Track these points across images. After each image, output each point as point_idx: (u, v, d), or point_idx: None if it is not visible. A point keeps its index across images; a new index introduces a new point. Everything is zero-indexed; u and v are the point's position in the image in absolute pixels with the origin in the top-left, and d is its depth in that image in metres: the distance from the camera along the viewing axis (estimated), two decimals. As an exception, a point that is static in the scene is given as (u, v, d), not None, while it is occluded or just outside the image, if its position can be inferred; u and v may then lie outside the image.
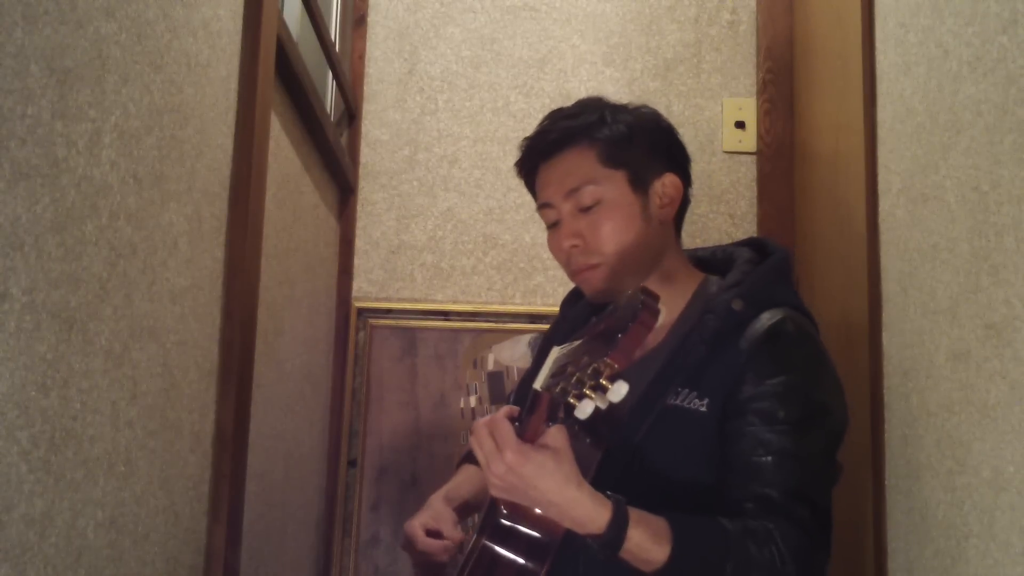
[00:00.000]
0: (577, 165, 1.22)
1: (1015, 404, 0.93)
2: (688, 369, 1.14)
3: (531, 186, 1.31)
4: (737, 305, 1.14)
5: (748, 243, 1.31)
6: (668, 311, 1.22)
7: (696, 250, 1.35)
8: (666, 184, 1.24)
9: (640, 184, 1.22)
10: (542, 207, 1.27)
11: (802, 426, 1.09)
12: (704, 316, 1.17)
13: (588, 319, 1.31)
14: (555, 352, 1.05)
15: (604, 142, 1.22)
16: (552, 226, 1.26)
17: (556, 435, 0.96)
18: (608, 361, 0.89)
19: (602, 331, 0.96)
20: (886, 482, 1.31)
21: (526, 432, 0.98)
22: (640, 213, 1.21)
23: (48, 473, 0.78)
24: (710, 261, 1.31)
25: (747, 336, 1.13)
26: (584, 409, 0.90)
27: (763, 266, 1.22)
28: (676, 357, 1.16)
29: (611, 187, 1.21)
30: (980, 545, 1.00)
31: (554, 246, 1.26)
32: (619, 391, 0.89)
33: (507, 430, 0.97)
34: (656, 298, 0.95)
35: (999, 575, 0.96)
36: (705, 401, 1.12)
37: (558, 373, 0.96)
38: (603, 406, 0.90)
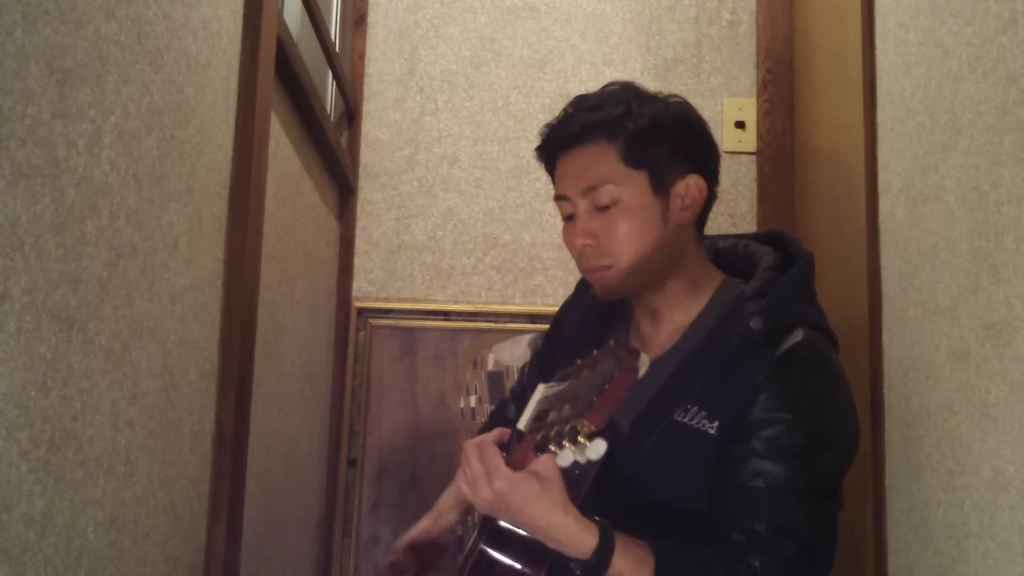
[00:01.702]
0: (597, 162, 1.16)
1: (1015, 404, 0.93)
2: (700, 386, 1.11)
3: (551, 172, 1.24)
4: (756, 324, 1.10)
5: (770, 239, 1.26)
6: (683, 314, 1.19)
7: (716, 239, 1.29)
8: (690, 186, 1.18)
9: (661, 186, 1.16)
10: (558, 199, 1.21)
11: (804, 458, 1.06)
12: (720, 330, 1.13)
13: (583, 330, 1.31)
14: (540, 391, 1.06)
15: (626, 139, 1.15)
16: (567, 219, 1.21)
17: (546, 463, 0.96)
18: (585, 422, 0.91)
19: (583, 379, 0.98)
20: (886, 482, 1.31)
21: (515, 459, 0.99)
22: (659, 217, 1.15)
23: (48, 473, 0.78)
24: (730, 257, 1.26)
25: (764, 358, 1.09)
26: (565, 458, 0.93)
27: (785, 279, 1.16)
28: (686, 370, 1.13)
29: (630, 188, 1.15)
30: (980, 545, 1.00)
31: (568, 240, 1.21)
32: (597, 449, 0.92)
33: (495, 455, 0.97)
34: (636, 355, 0.96)
35: (999, 575, 0.96)
36: (715, 424, 1.08)
37: (540, 418, 0.98)
38: (582, 460, 0.92)
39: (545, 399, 1.02)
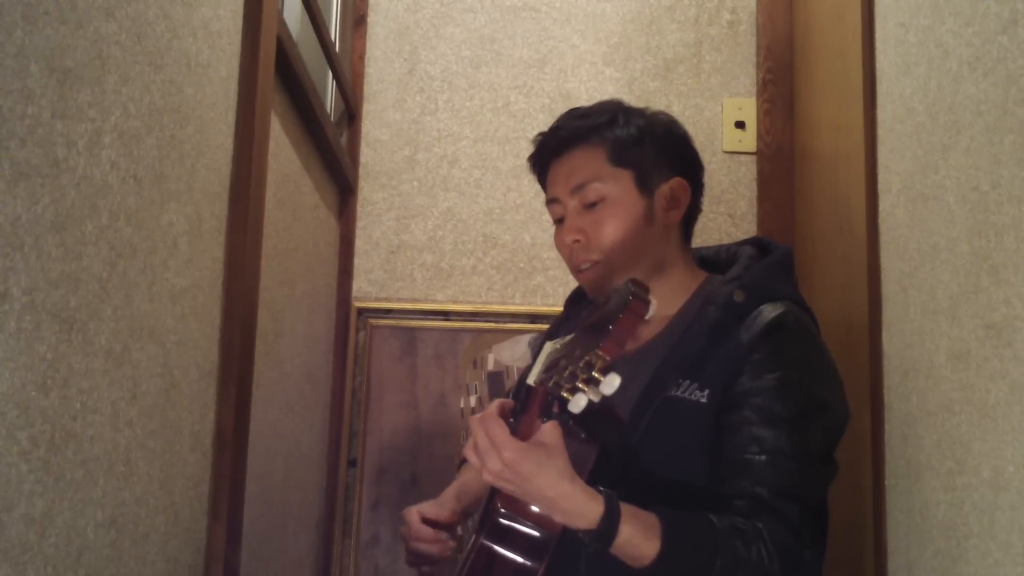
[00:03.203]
0: (585, 162, 1.24)
1: (1015, 404, 0.93)
2: (689, 360, 1.14)
3: (542, 182, 1.32)
4: (739, 296, 1.14)
5: (751, 242, 1.32)
6: (669, 306, 1.22)
7: (700, 249, 1.35)
8: (674, 187, 1.25)
9: (646, 186, 1.23)
10: (549, 202, 1.28)
11: (798, 423, 1.09)
12: (705, 307, 1.17)
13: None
14: (548, 347, 1.06)
15: (613, 142, 1.23)
16: (558, 222, 1.27)
17: (550, 432, 0.97)
18: (599, 353, 0.89)
19: (593, 323, 0.97)
20: (886, 482, 1.31)
21: (520, 428, 0.98)
22: (644, 214, 1.22)
23: (48, 473, 0.78)
24: (714, 260, 1.32)
25: (748, 328, 1.13)
26: (578, 403, 0.91)
27: (765, 260, 1.23)
28: (677, 349, 1.16)
29: (616, 186, 1.22)
30: (980, 545, 1.00)
31: (558, 242, 1.27)
32: (612, 383, 0.89)
33: (502, 427, 0.97)
34: (646, 289, 0.95)
35: (999, 575, 0.96)
36: (706, 392, 1.11)
37: (551, 367, 0.97)
38: (596, 399, 0.90)
39: (554, 351, 1.02)
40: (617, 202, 1.21)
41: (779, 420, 1.08)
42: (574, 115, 1.28)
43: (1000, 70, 0.98)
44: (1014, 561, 0.93)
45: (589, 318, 1.02)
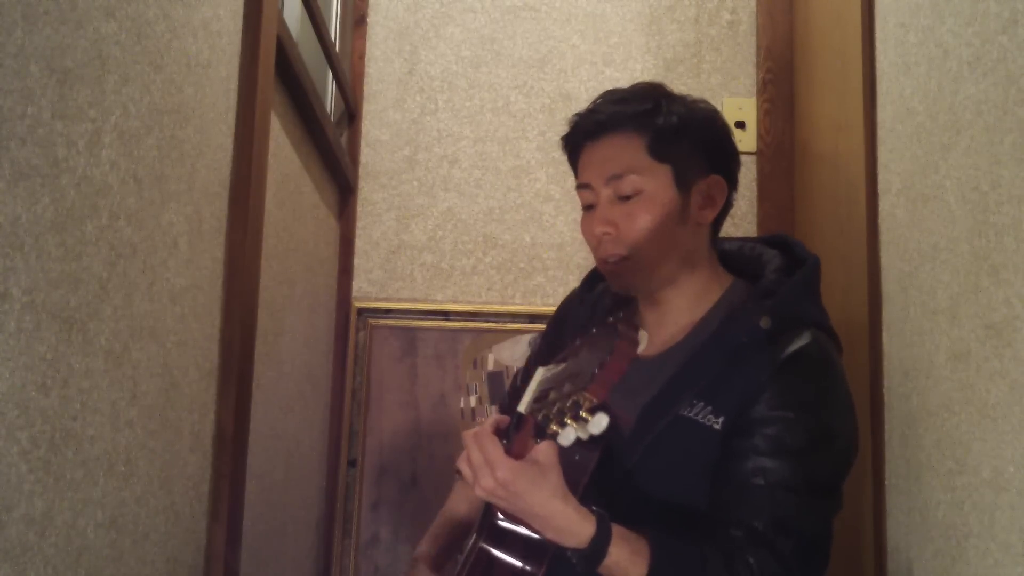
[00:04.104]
0: (622, 152, 1.18)
1: (1015, 404, 0.93)
2: (705, 381, 1.11)
3: (574, 163, 1.26)
4: (765, 324, 1.10)
5: (776, 242, 1.27)
6: (690, 313, 1.20)
7: (722, 241, 1.30)
8: (711, 186, 1.21)
9: (684, 183, 1.18)
10: (581, 187, 1.23)
11: (805, 456, 1.06)
12: (728, 327, 1.14)
13: (582, 327, 1.30)
14: (540, 374, 1.06)
15: (654, 133, 1.18)
16: (588, 208, 1.22)
17: (546, 451, 0.97)
18: (587, 395, 0.91)
19: (582, 358, 0.98)
20: (886, 482, 1.31)
21: (514, 447, 0.99)
22: (678, 212, 1.17)
23: (48, 473, 0.78)
24: (736, 258, 1.28)
25: (771, 357, 1.10)
26: (567, 437, 0.93)
27: (793, 280, 1.17)
28: (692, 364, 1.13)
29: (654, 180, 1.17)
30: (980, 545, 1.00)
31: (586, 229, 1.22)
32: (599, 423, 0.91)
33: (496, 444, 0.98)
34: (635, 328, 0.96)
35: (999, 575, 0.96)
36: (720, 419, 1.08)
37: (541, 398, 0.98)
38: (584, 437, 0.92)
39: (545, 380, 1.02)
40: (653, 197, 1.16)
41: (786, 452, 1.06)
42: (613, 98, 1.22)
43: (1000, 70, 0.98)
44: (1014, 561, 0.93)
45: (579, 349, 1.02)
